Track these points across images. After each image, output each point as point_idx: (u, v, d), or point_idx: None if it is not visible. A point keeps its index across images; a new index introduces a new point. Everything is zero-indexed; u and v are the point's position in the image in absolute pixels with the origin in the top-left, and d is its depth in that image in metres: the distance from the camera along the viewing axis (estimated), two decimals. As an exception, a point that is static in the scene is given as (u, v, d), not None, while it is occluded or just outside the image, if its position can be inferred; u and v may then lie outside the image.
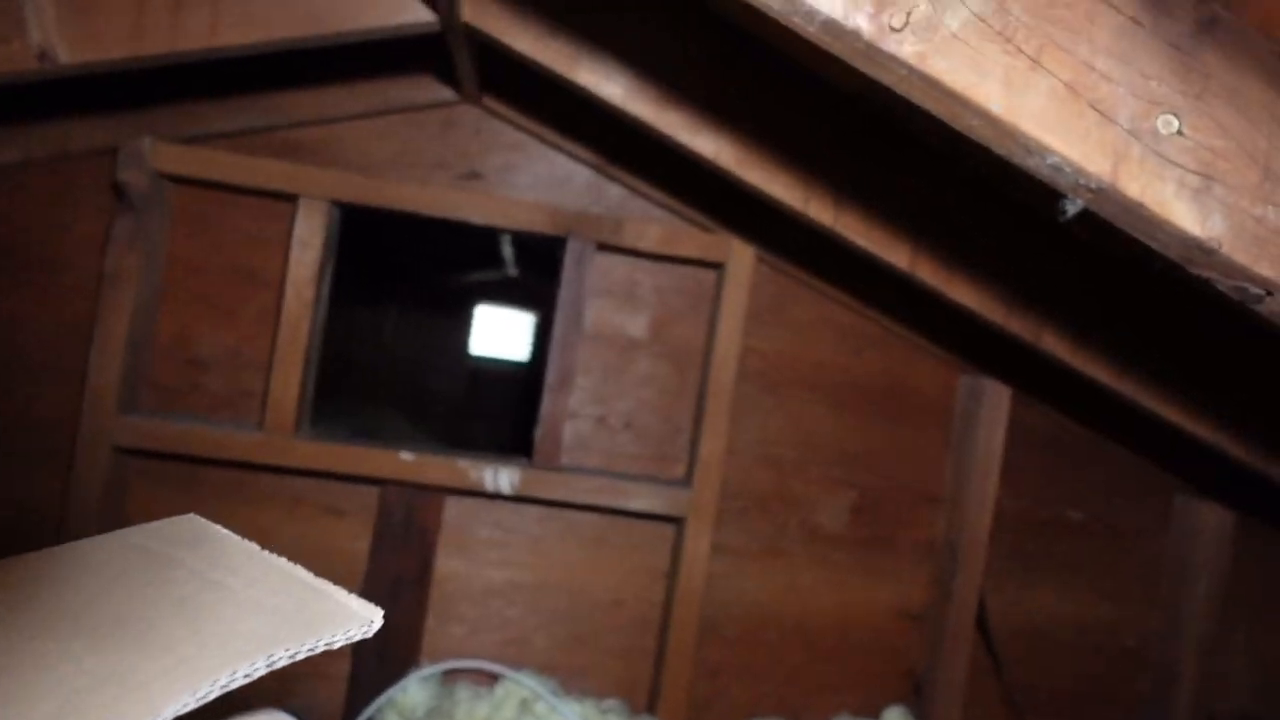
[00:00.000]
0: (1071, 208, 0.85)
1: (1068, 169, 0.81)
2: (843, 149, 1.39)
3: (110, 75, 1.58)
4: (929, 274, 1.44)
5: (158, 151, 1.77)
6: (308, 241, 1.80)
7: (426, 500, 1.94)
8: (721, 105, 1.37)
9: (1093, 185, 0.82)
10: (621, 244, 1.90)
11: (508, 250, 5.91)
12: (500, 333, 8.43)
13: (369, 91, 1.89)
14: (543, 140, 1.97)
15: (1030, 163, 0.82)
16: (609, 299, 2.02)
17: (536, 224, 1.88)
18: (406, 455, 1.84)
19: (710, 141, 1.39)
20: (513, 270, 6.74)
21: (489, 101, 1.92)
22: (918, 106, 0.81)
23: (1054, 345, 1.45)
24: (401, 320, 7.71)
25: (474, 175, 1.99)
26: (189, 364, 1.91)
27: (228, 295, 1.92)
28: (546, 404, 1.89)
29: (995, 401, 2.01)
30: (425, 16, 1.32)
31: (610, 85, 1.38)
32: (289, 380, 1.82)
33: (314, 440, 1.83)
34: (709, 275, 2.02)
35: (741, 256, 1.92)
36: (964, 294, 1.45)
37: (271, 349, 1.84)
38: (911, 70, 0.77)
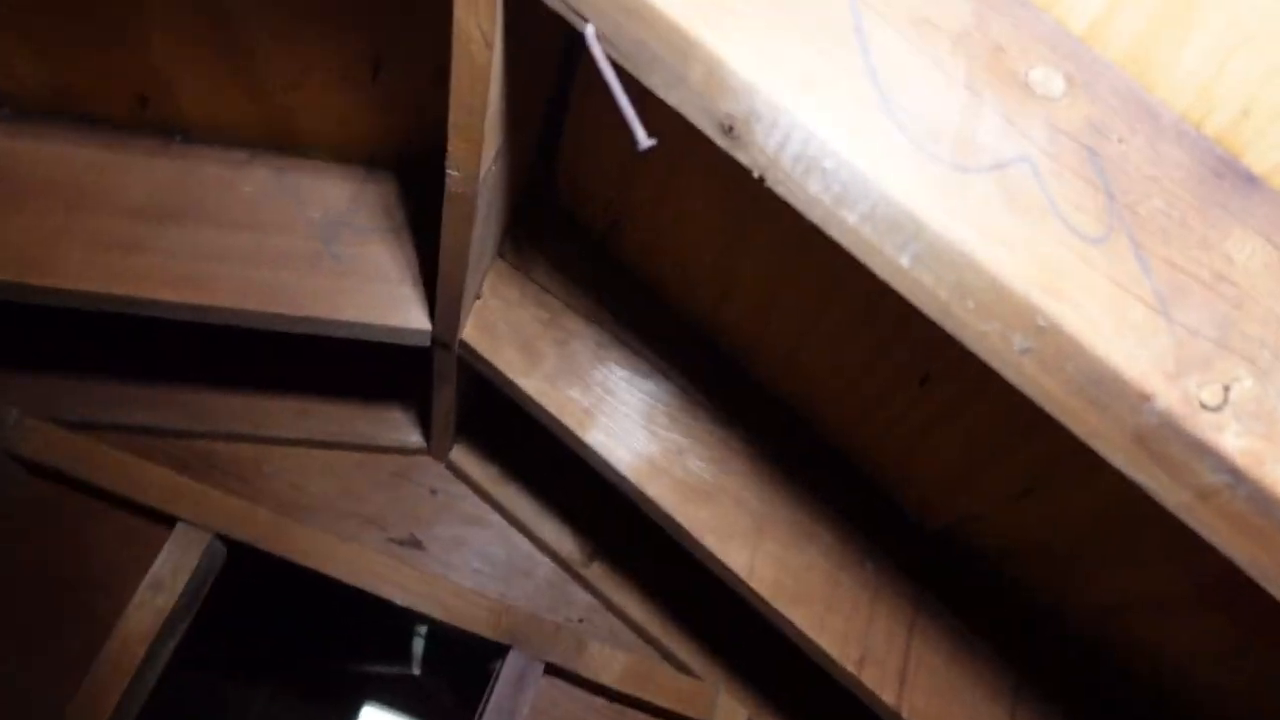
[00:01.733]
0: None
1: None
2: (929, 589, 1.03)
3: None
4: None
5: (25, 430, 1.38)
6: (164, 583, 1.33)
7: None
8: (773, 499, 1.04)
9: None
10: (579, 670, 1.43)
11: (418, 643, 5.16)
12: (383, 743, 7.18)
13: (321, 414, 1.57)
14: (508, 518, 1.60)
15: None
16: (545, 743, 1.50)
17: (474, 622, 1.43)
18: None
19: (745, 552, 1.03)
20: (416, 669, 5.87)
21: (456, 456, 1.59)
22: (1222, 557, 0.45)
23: None
24: (273, 704, 6.55)
25: (414, 543, 1.59)
26: (-76, 721, 1.32)
27: (37, 627, 1.38)
28: None
29: None
30: (420, 324, 1.05)
31: (624, 452, 1.06)
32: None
33: None
34: (679, 734, 1.53)
35: (730, 718, 1.45)
36: None
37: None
38: (1239, 477, 0.44)
